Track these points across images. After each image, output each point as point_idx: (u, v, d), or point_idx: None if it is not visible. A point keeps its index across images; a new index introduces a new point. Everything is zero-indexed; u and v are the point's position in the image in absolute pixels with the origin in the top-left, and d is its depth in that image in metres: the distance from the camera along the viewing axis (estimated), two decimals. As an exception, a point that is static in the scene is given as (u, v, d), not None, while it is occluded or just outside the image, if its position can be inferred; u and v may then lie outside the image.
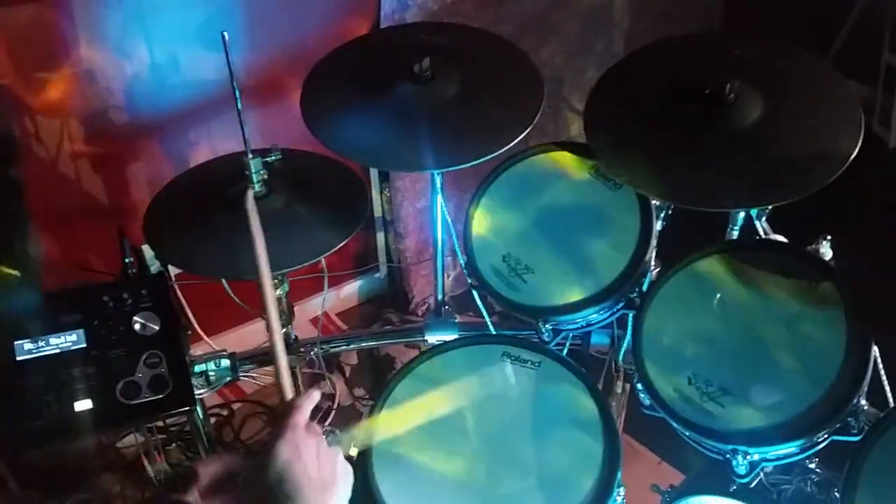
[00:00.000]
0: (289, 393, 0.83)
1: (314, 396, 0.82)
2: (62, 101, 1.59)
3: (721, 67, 1.27)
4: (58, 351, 1.23)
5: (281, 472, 0.75)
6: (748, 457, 1.06)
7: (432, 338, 1.61)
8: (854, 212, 1.09)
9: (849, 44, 2.39)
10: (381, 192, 2.15)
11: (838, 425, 1.05)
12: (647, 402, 1.15)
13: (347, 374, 2.14)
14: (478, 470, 1.12)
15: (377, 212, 2.20)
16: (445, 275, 1.69)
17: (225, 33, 1.13)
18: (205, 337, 1.97)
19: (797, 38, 1.31)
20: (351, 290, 2.37)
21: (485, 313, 1.45)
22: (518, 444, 1.14)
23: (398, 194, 2.14)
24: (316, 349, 1.55)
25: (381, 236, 2.28)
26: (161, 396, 1.23)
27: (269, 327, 0.85)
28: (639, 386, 1.15)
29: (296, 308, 1.54)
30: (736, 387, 1.09)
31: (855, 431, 1.05)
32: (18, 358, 1.20)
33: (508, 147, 1.27)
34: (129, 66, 1.62)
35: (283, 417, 0.79)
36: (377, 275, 2.39)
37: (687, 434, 1.12)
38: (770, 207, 1.30)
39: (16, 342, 1.19)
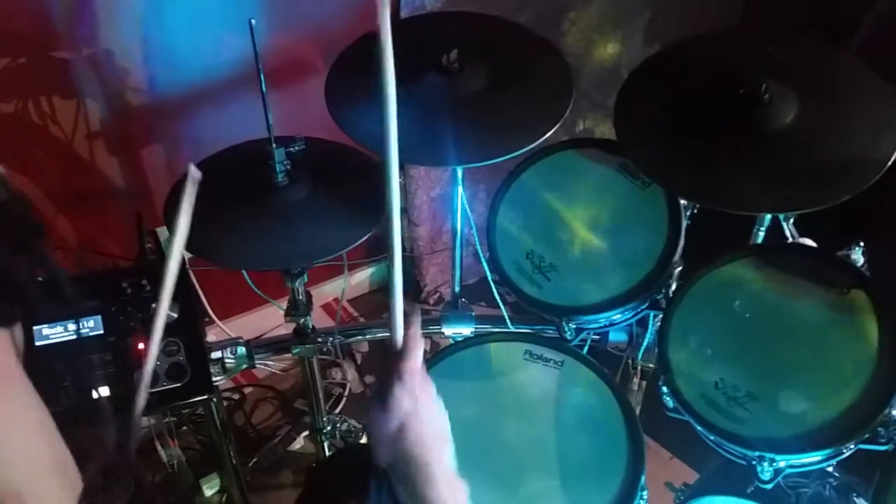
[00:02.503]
0: (400, 335, 0.77)
1: (422, 342, 0.78)
2: (79, 82, 1.57)
3: (755, 66, 1.24)
4: (75, 337, 1.22)
5: (403, 422, 0.72)
6: (774, 463, 1.05)
7: (449, 330, 1.60)
8: (891, 219, 1.07)
9: (871, 40, 2.34)
10: (396, 180, 2.13)
11: (867, 435, 1.04)
12: (671, 404, 1.14)
13: (359, 362, 2.13)
14: (501, 470, 1.11)
15: (391, 200, 2.18)
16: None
17: (252, 20, 1.12)
18: (218, 322, 1.97)
19: (817, 32, 1.28)
20: (363, 277, 2.36)
21: (503, 309, 1.44)
22: (542, 445, 1.14)
23: (412, 182, 2.11)
24: (333, 339, 1.53)
25: (394, 224, 2.26)
26: (179, 385, 1.23)
27: (391, 274, 0.76)
28: (664, 389, 1.14)
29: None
30: (763, 393, 1.08)
31: (884, 441, 1.04)
32: (37, 343, 1.19)
33: (535, 145, 1.25)
34: (147, 47, 1.60)
35: (399, 360, 0.75)
36: (389, 262, 2.37)
37: (711, 438, 1.11)
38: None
39: (34, 327, 1.18)
